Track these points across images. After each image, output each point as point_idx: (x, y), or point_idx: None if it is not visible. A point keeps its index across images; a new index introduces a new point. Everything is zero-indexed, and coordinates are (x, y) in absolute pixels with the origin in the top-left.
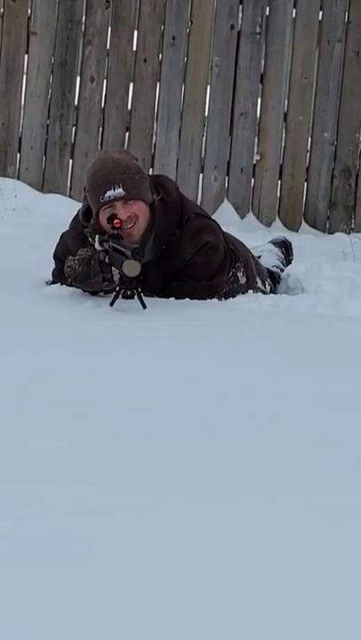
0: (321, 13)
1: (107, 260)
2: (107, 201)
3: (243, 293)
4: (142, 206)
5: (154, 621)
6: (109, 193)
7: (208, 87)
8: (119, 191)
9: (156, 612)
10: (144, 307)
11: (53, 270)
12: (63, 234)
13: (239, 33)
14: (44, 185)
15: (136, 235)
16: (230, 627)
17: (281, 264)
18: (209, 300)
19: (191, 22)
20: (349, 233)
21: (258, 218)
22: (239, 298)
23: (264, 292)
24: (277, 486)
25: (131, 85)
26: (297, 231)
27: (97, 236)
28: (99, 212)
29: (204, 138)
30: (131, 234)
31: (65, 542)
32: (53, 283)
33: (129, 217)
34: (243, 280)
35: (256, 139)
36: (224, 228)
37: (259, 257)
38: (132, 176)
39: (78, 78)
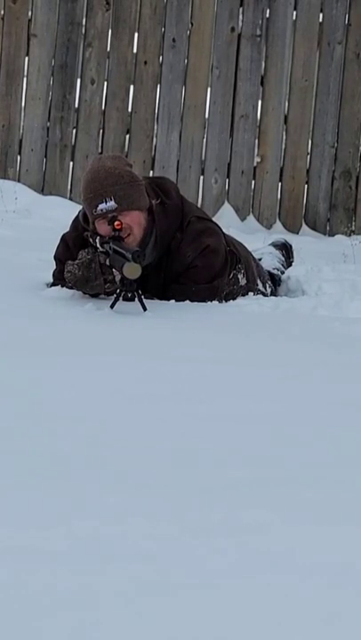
0: (321, 15)
1: (107, 263)
2: (99, 214)
3: (243, 295)
4: (136, 215)
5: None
6: (101, 206)
7: (208, 89)
8: (111, 204)
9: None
10: (144, 309)
11: (54, 271)
12: (64, 235)
13: (239, 35)
14: (44, 187)
15: (132, 244)
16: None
17: (281, 266)
18: (209, 303)
19: (192, 24)
20: (350, 235)
21: (258, 220)
22: (240, 300)
23: (265, 294)
24: (277, 487)
25: (131, 87)
26: (297, 233)
27: (98, 238)
28: (94, 222)
29: (205, 140)
30: (127, 243)
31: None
32: (54, 284)
33: (123, 228)
34: (243, 282)
35: (256, 141)
36: (224, 230)
37: (259, 259)
38: (123, 186)
39: (79, 80)
